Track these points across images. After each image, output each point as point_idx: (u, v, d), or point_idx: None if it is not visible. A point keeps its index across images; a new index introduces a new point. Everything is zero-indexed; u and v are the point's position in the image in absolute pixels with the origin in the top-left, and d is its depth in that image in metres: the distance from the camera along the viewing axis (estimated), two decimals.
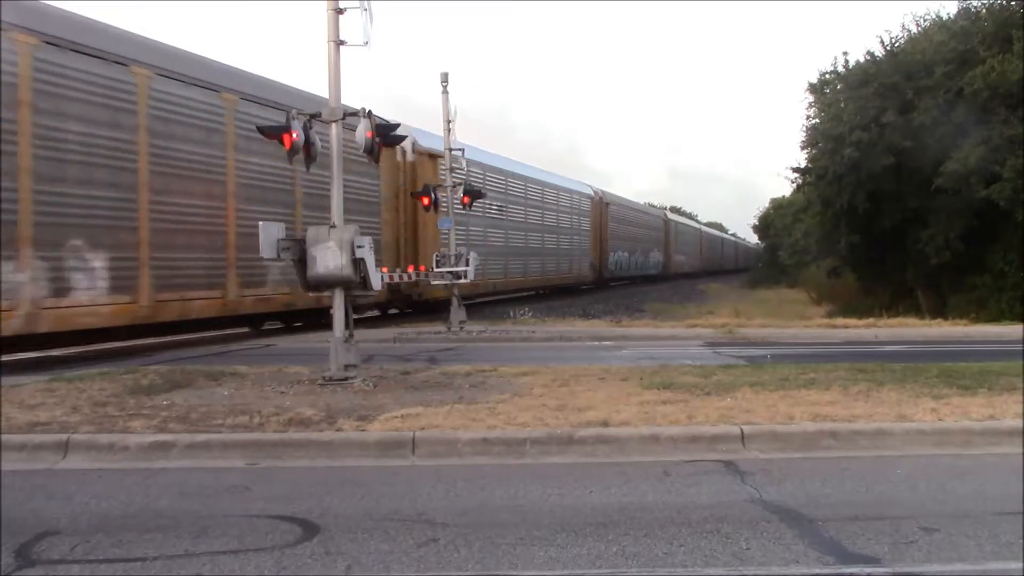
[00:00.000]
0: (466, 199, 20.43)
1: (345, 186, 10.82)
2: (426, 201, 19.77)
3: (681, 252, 67.33)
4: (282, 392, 9.53)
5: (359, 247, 10.11)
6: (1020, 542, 4.86)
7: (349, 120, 10.62)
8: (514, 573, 4.49)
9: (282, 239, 10.22)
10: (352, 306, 10.71)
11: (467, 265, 19.39)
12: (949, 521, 5.25)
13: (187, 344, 16.27)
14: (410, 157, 23.71)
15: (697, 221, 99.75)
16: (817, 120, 31.26)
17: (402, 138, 12.90)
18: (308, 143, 10.32)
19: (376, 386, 9.91)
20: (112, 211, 13.83)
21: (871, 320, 20.22)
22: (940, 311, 25.00)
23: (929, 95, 26.19)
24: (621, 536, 4.99)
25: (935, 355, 12.89)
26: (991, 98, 24.76)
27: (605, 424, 7.56)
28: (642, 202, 67.58)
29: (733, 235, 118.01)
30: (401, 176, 23.12)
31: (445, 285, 19.96)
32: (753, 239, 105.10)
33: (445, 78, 19.28)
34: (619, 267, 47.97)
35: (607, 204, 45.83)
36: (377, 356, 13.36)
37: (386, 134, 11.05)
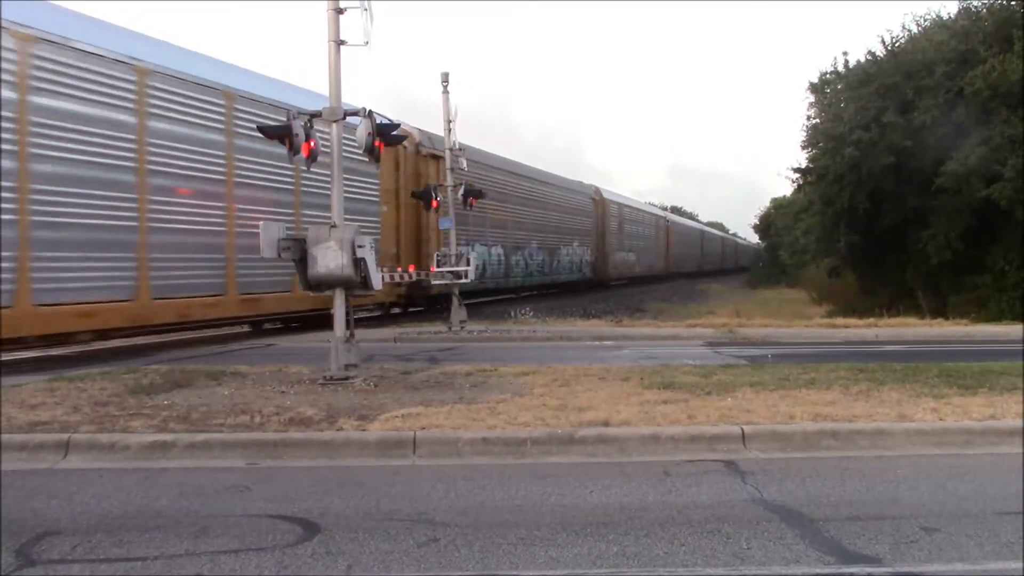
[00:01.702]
0: None
1: None
2: (434, 204, 18.89)
3: (630, 249, 49.29)
4: (283, 392, 9.53)
5: (360, 247, 10.11)
6: (1020, 542, 4.86)
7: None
8: (515, 573, 4.49)
9: (282, 239, 10.22)
10: None
11: (468, 264, 19.37)
12: (949, 521, 5.25)
13: (188, 344, 16.26)
14: None
15: (696, 219, 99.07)
16: (818, 120, 31.32)
17: None
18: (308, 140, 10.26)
19: (377, 386, 9.90)
20: None
21: (871, 320, 20.21)
22: (940, 311, 25.00)
23: (929, 95, 26.21)
24: (622, 536, 4.99)
25: (935, 355, 12.89)
26: (991, 98, 24.79)
27: (606, 424, 7.56)
28: (642, 201, 54.22)
29: (734, 234, 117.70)
30: None
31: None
32: (753, 238, 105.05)
33: (446, 78, 19.31)
34: (492, 272, 28.88)
35: (462, 169, 21.09)
36: (377, 356, 13.36)
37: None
